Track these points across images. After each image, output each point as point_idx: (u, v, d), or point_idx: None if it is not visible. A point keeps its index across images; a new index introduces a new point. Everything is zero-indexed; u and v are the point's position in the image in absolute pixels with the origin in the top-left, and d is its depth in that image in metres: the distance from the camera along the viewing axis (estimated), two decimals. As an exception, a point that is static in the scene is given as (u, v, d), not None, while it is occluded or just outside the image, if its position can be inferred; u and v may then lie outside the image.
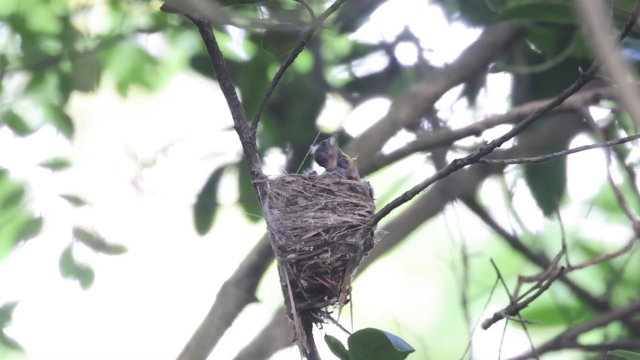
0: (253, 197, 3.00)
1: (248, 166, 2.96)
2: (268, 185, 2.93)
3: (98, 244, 4.28)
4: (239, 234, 4.60)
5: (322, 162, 3.07)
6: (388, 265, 4.57)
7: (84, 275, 4.29)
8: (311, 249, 2.88)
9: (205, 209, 4.53)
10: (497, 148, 2.80)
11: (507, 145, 3.91)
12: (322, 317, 2.92)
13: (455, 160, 2.76)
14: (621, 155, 4.47)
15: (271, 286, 3.99)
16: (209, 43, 2.93)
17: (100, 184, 4.48)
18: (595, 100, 3.80)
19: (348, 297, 2.91)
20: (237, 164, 4.58)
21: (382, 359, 2.81)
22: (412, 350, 2.80)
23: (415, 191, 2.81)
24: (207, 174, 4.57)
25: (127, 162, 4.48)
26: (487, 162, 2.70)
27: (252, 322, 4.30)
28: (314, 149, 3.09)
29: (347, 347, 2.88)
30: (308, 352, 2.87)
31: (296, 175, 2.95)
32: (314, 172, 3.03)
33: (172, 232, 4.76)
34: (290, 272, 2.90)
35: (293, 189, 2.91)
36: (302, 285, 2.90)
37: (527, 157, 4.38)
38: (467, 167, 2.88)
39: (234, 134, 2.99)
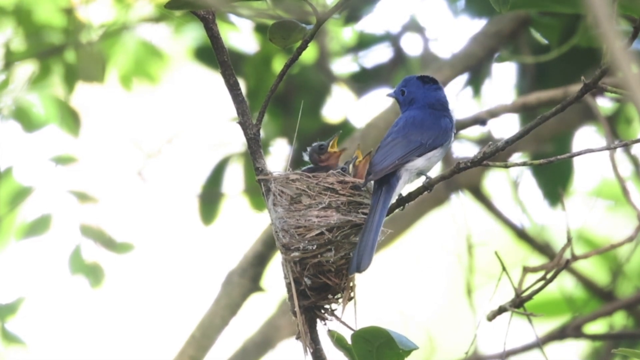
0: (259, 187, 2.98)
1: (252, 162, 2.95)
2: (272, 182, 2.93)
3: (106, 242, 4.28)
4: (244, 224, 4.59)
5: (313, 162, 3.09)
6: (393, 255, 4.57)
7: (94, 274, 4.28)
8: (314, 248, 2.88)
9: (210, 199, 4.53)
10: (501, 136, 2.81)
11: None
12: (326, 315, 2.92)
13: (459, 163, 2.78)
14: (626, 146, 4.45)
15: (276, 276, 3.99)
16: (214, 39, 2.93)
17: (106, 177, 4.48)
18: (600, 90, 3.78)
19: (352, 295, 2.92)
20: (242, 153, 4.57)
21: (386, 356, 2.81)
22: (415, 348, 2.80)
23: (418, 192, 2.84)
24: (213, 164, 4.57)
25: (132, 154, 4.48)
26: (490, 164, 2.70)
27: (257, 312, 4.30)
28: (309, 149, 3.09)
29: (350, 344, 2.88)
30: (311, 350, 2.88)
31: (300, 172, 2.95)
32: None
33: (178, 222, 4.76)
34: (294, 270, 2.90)
35: (297, 187, 2.90)
36: (306, 283, 2.90)
37: (532, 147, 4.45)
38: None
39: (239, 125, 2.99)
